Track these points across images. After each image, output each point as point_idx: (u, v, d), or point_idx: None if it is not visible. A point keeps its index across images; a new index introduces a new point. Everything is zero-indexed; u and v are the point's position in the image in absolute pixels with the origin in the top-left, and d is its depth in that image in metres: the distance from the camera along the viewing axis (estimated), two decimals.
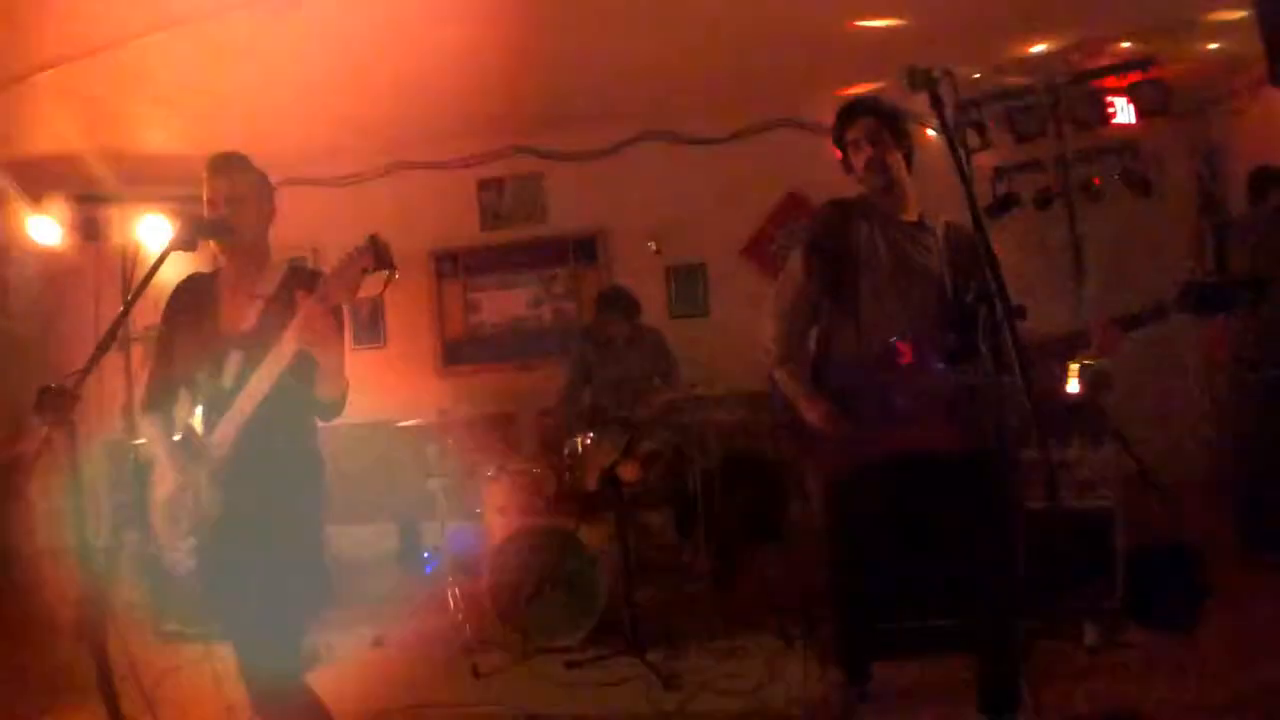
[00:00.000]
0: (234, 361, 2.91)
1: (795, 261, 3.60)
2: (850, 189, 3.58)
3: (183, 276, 3.16)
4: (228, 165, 3.01)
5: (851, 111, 3.51)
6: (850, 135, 3.48)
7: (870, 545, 3.69)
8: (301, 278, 3.06)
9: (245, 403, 2.83)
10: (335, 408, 2.97)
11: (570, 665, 4.78)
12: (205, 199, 3.00)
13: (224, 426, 2.86)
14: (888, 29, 5.68)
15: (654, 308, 7.30)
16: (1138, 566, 4.65)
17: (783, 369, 3.58)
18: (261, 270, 3.06)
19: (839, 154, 3.57)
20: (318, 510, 3.08)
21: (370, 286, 2.73)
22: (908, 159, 3.51)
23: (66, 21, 4.73)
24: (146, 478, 3.05)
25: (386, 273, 2.71)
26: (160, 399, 3.10)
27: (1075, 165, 6.25)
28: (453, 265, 8.18)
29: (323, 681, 3.11)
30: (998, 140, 6.11)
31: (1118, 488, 4.74)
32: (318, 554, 3.09)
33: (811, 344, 3.65)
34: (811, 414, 3.45)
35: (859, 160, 3.47)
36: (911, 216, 3.51)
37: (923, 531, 3.76)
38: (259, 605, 2.87)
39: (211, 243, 3.00)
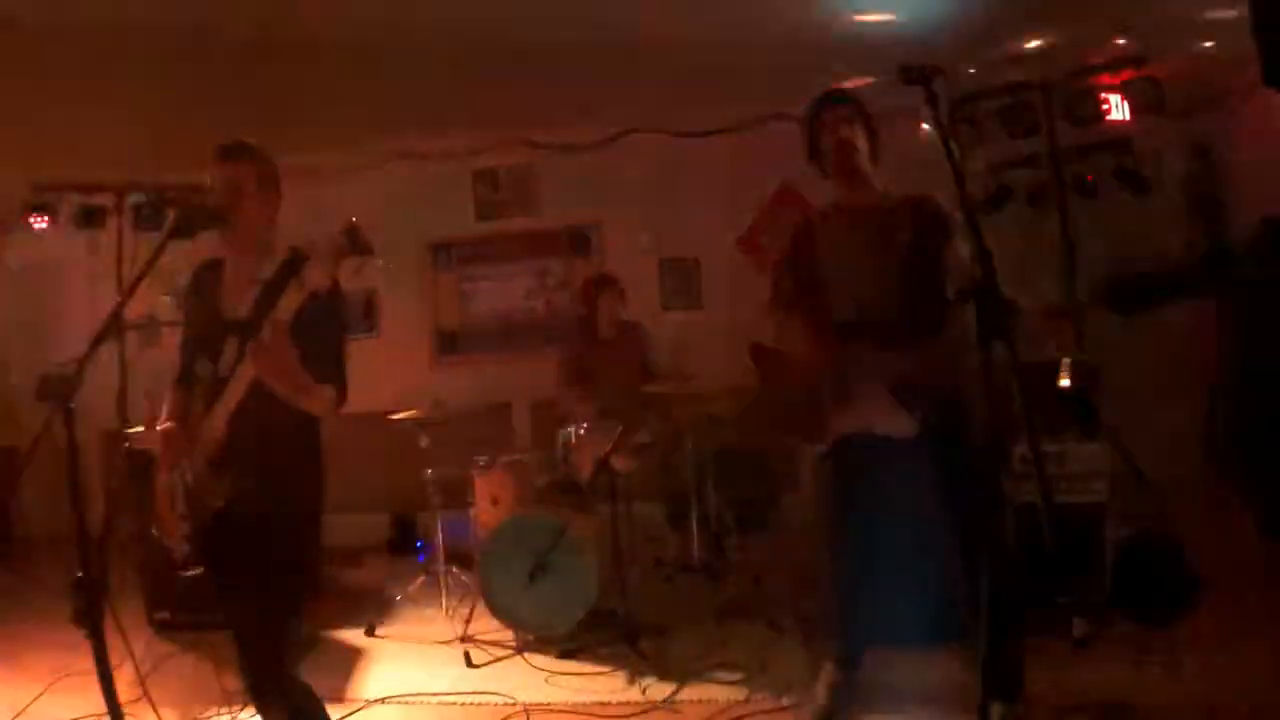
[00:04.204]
0: (231, 347, 2.92)
1: (771, 284, 3.88)
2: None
3: (201, 261, 3.20)
4: (230, 153, 3.02)
5: (824, 100, 3.70)
6: (821, 120, 3.65)
7: (859, 530, 3.73)
8: (300, 264, 3.06)
9: (234, 389, 2.85)
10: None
11: (562, 655, 4.82)
12: (209, 186, 3.00)
13: (217, 412, 2.88)
14: (883, 23, 5.69)
15: (647, 300, 7.32)
16: (1127, 560, 4.68)
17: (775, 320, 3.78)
18: (265, 256, 3.05)
19: (807, 140, 3.75)
20: (315, 499, 3.09)
21: (367, 274, 2.77)
22: (873, 150, 3.66)
23: (68, 8, 4.72)
24: (141, 466, 3.07)
25: (360, 259, 2.74)
26: (187, 379, 3.12)
27: (1069, 162, 6.27)
28: (447, 256, 8.18)
29: (315, 671, 3.14)
30: (991, 136, 6.12)
31: (1108, 482, 4.76)
32: (315, 543, 3.10)
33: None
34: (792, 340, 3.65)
35: (827, 141, 3.63)
36: (874, 203, 3.60)
37: (912, 519, 3.83)
38: (255, 593, 2.89)
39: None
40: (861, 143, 3.59)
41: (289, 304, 2.71)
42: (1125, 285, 2.79)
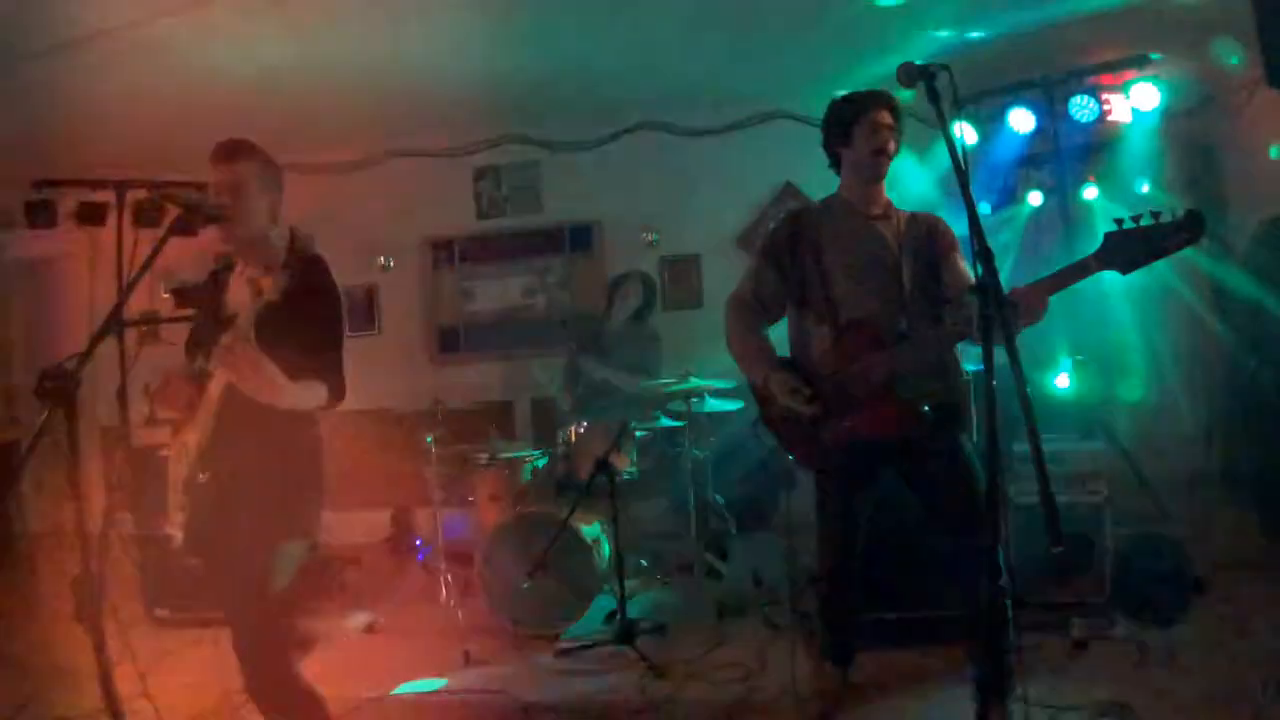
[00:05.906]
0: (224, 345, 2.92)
1: (751, 269, 3.88)
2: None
3: (218, 260, 3.21)
4: (229, 152, 3.02)
5: (878, 98, 3.54)
6: (869, 118, 3.50)
7: (852, 533, 3.73)
8: (228, 273, 3.08)
9: (214, 387, 2.87)
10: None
11: (561, 653, 4.82)
12: (210, 185, 3.00)
13: (204, 407, 2.89)
14: (885, 21, 5.69)
15: None
16: (1126, 560, 4.68)
17: (740, 348, 3.77)
18: (268, 254, 3.01)
19: (840, 121, 3.59)
20: (311, 493, 3.08)
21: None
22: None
23: (71, 5, 4.73)
24: (143, 463, 3.07)
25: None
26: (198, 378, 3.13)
27: (1070, 161, 6.26)
28: (448, 253, 8.16)
29: (315, 667, 3.13)
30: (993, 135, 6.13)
31: (1107, 482, 4.76)
32: (310, 537, 3.08)
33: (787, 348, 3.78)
34: (776, 388, 3.53)
35: (868, 145, 3.50)
36: (878, 211, 3.58)
37: (905, 519, 3.84)
38: (246, 585, 2.89)
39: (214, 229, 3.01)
40: (892, 152, 3.54)
41: (246, 311, 2.69)
42: (1123, 244, 2.75)
